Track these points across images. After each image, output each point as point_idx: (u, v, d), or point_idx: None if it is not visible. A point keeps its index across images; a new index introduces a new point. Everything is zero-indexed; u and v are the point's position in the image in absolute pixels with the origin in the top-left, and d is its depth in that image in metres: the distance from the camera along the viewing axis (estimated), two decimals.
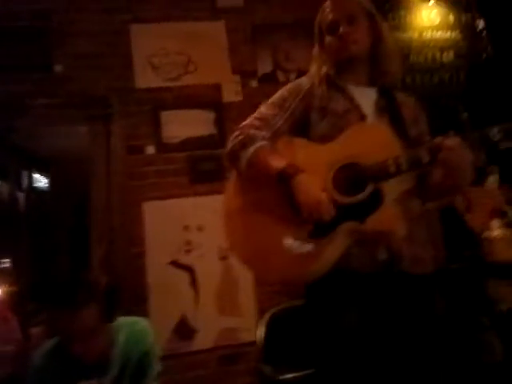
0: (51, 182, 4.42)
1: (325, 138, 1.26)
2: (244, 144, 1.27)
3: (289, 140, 1.30)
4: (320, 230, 1.15)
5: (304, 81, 1.39)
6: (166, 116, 2.80)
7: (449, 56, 3.45)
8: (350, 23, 1.32)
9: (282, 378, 1.67)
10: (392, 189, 1.15)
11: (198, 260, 2.70)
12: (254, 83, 2.95)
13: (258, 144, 1.26)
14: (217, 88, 2.91)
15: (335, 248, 1.15)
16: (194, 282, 2.68)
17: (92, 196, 2.76)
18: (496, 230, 2.30)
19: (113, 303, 1.47)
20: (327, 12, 1.36)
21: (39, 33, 2.73)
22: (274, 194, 1.22)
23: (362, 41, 1.33)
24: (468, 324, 2.32)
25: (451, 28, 3.47)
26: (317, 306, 1.25)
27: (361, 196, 1.14)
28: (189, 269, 2.69)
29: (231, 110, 2.87)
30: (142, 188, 2.73)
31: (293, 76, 3.04)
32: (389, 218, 1.13)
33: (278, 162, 1.20)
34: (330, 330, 1.20)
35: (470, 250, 2.52)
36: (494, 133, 1.07)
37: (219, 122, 2.84)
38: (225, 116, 2.86)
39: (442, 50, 3.44)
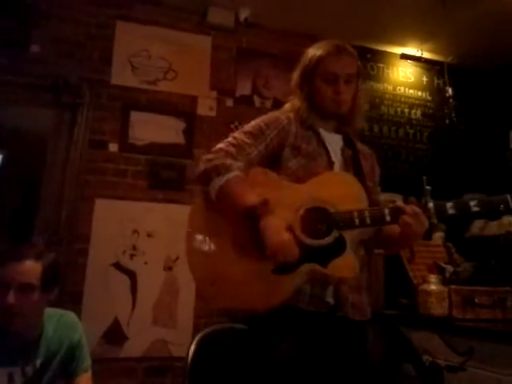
0: (3, 161, 4.25)
1: (293, 176, 1.30)
2: (218, 170, 1.25)
3: (263, 172, 1.32)
4: (284, 269, 1.18)
5: (281, 116, 1.40)
6: (136, 117, 2.78)
7: (417, 114, 3.66)
8: (347, 82, 1.37)
9: None
10: (353, 238, 1.22)
11: (141, 266, 2.65)
12: (229, 102, 2.99)
13: (233, 174, 1.25)
14: (192, 100, 2.93)
15: (294, 285, 1.19)
16: (133, 288, 2.62)
17: (44, 183, 2.67)
18: (432, 285, 2.40)
19: (54, 278, 1.46)
20: (329, 60, 1.37)
21: (22, 9, 2.67)
22: (240, 224, 1.23)
23: (350, 101, 1.39)
24: (392, 370, 2.39)
25: (423, 89, 3.69)
26: (255, 334, 1.27)
27: (326, 240, 1.19)
28: (131, 274, 2.63)
29: (203, 124, 2.89)
30: (97, 184, 2.67)
31: (269, 103, 3.12)
32: (348, 265, 1.19)
33: (249, 198, 1.21)
34: (262, 361, 1.22)
35: (407, 299, 2.61)
36: (449, 206, 1.19)
37: (189, 133, 2.84)
38: (195, 128, 2.87)
39: (412, 106, 3.65)
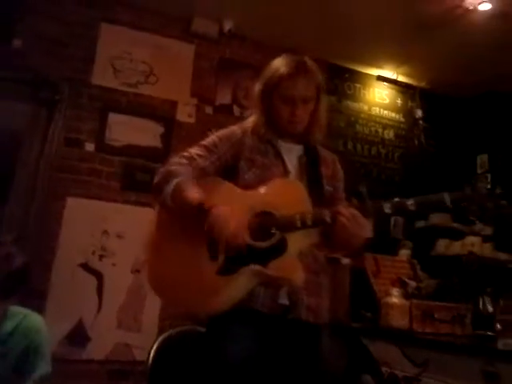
0: None
1: (248, 186, 1.34)
2: (167, 178, 1.30)
3: (214, 179, 1.38)
4: (228, 269, 1.23)
5: (237, 129, 1.45)
6: (115, 118, 2.79)
7: (389, 134, 3.78)
8: (305, 102, 1.38)
9: None
10: (297, 240, 1.25)
11: (109, 268, 2.63)
12: (209, 110, 3.04)
13: (181, 177, 1.30)
14: (172, 105, 2.96)
15: (238, 287, 1.23)
16: (99, 290, 2.60)
17: (16, 178, 2.64)
18: (394, 298, 2.47)
19: (19, 281, 1.44)
20: (287, 82, 1.38)
21: (6, 1, 2.66)
22: (191, 228, 1.27)
23: (307, 120, 1.42)
24: (352, 381, 2.44)
25: (396, 110, 3.83)
26: (210, 335, 1.32)
27: (268, 242, 1.23)
28: (98, 275, 2.61)
29: (181, 130, 2.92)
30: (70, 182, 2.66)
31: (248, 113, 3.17)
32: (288, 265, 1.22)
33: (198, 195, 1.26)
34: (215, 362, 1.26)
35: (370, 313, 2.67)
36: (387, 207, 1.22)
37: (166, 138, 2.87)
38: (173, 133, 2.90)
39: (385, 127, 3.77)
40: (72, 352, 2.47)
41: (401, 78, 3.73)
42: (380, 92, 3.78)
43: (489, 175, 3.71)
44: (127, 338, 2.58)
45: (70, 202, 2.62)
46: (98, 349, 2.52)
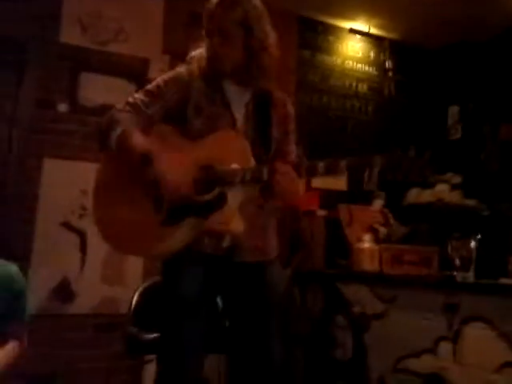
0: None
1: (197, 136, 1.35)
2: (112, 125, 1.30)
3: (161, 128, 1.37)
4: (171, 220, 1.29)
5: (183, 72, 1.41)
6: (86, 77, 2.77)
7: (363, 87, 3.83)
8: (223, 37, 1.33)
9: (143, 337, 1.80)
10: (236, 194, 1.29)
11: (90, 225, 2.68)
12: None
13: (125, 125, 1.29)
14: (144, 62, 2.93)
15: (180, 237, 1.28)
16: (83, 247, 2.67)
17: None
18: (366, 243, 2.61)
19: None
20: (205, 16, 1.35)
21: None
22: (137, 176, 1.30)
23: (233, 58, 1.35)
24: (323, 321, 2.61)
25: (370, 63, 3.86)
26: (164, 275, 1.41)
27: (208, 196, 1.28)
28: (80, 233, 2.67)
29: None
30: (46, 144, 2.66)
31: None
32: (227, 218, 1.27)
33: (143, 143, 1.27)
34: (169, 298, 1.37)
35: (344, 260, 2.82)
36: (320, 166, 1.22)
37: None
38: None
39: (358, 80, 3.81)
40: (58, 307, 2.57)
41: (373, 31, 3.74)
42: (353, 45, 3.78)
43: (459, 126, 3.82)
44: (112, 292, 2.68)
45: (47, 163, 2.64)
46: (83, 303, 2.62)
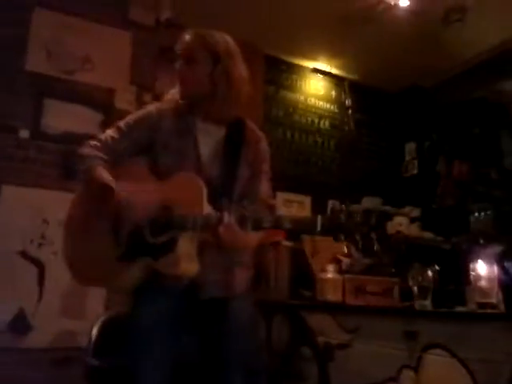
0: None
1: (164, 171, 1.38)
2: (79, 161, 1.39)
3: (127, 164, 1.42)
4: (126, 256, 1.32)
5: (154, 110, 1.45)
6: (51, 104, 2.75)
7: (325, 124, 3.99)
8: (188, 63, 1.38)
9: (104, 368, 1.72)
10: (188, 239, 1.30)
11: (50, 256, 2.60)
12: (148, 97, 3.06)
13: (91, 161, 1.36)
14: (111, 92, 2.96)
15: (132, 275, 1.32)
16: (41, 278, 2.57)
17: None
18: (329, 273, 2.64)
19: None
20: (178, 42, 1.42)
21: None
22: (103, 209, 1.34)
23: (196, 83, 1.38)
24: (289, 354, 2.59)
25: (331, 101, 4.04)
26: (129, 307, 1.39)
27: (161, 238, 1.30)
28: (38, 263, 2.57)
29: (121, 117, 2.90)
30: (5, 170, 2.59)
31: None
32: (176, 262, 1.28)
33: (105, 178, 1.32)
34: (131, 328, 1.34)
35: (309, 290, 2.84)
36: (266, 221, 1.23)
37: (106, 125, 2.84)
38: (113, 121, 2.88)
39: (321, 117, 3.97)
40: (13, 341, 2.44)
41: (334, 71, 3.94)
42: (315, 83, 3.97)
43: (416, 161, 4.02)
44: (71, 326, 2.57)
45: (6, 189, 2.56)
46: (40, 337, 2.50)
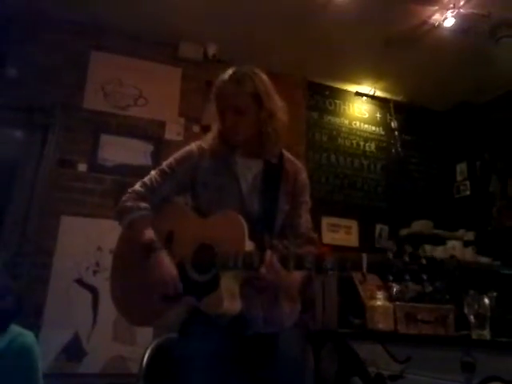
0: None
1: (205, 210, 1.40)
2: (122, 212, 1.41)
3: (176, 206, 1.46)
4: (170, 297, 1.35)
5: (195, 150, 1.46)
6: (106, 139, 2.93)
7: (371, 146, 3.95)
8: (237, 113, 1.36)
9: None
10: (230, 276, 1.31)
11: (103, 282, 2.71)
12: (196, 129, 3.19)
13: (133, 215, 1.38)
14: (161, 125, 3.11)
15: (177, 312, 1.35)
16: (95, 304, 2.68)
17: (13, 201, 2.74)
18: (379, 301, 2.58)
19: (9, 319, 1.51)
20: (217, 93, 1.40)
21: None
22: (142, 255, 1.38)
23: (247, 130, 1.39)
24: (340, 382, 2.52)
25: (376, 124, 4.00)
26: (179, 337, 1.43)
27: (204, 277, 1.31)
28: (93, 289, 2.69)
29: (170, 148, 3.05)
30: (65, 201, 2.77)
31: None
32: (216, 302, 1.28)
33: (146, 235, 1.35)
34: (181, 356, 1.36)
35: (359, 319, 2.77)
36: (308, 261, 1.21)
37: (156, 156, 3.00)
38: (163, 151, 3.03)
39: (366, 140, 3.94)
40: (68, 366, 2.54)
41: (378, 93, 3.92)
42: (359, 107, 3.96)
43: (468, 182, 3.88)
44: (122, 351, 2.65)
45: (64, 220, 2.73)
46: (93, 362, 2.59)
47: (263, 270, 1.23)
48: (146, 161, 3.00)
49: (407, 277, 1.11)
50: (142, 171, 2.89)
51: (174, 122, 3.14)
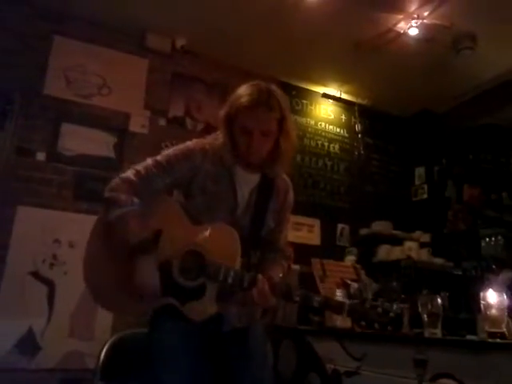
0: None
1: (195, 213, 1.39)
2: (114, 204, 1.33)
3: (169, 204, 1.42)
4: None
5: (198, 151, 1.42)
6: (67, 128, 2.83)
7: (335, 148, 4.02)
8: (264, 135, 1.36)
9: None
10: (215, 285, 1.32)
11: (60, 276, 2.63)
12: (162, 122, 3.14)
13: (125, 210, 1.32)
14: (125, 116, 3.04)
15: (155, 307, 1.34)
16: (51, 298, 2.60)
17: None
18: (338, 298, 2.62)
19: None
20: (245, 114, 1.35)
21: None
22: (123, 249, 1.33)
23: (264, 152, 1.40)
24: (300, 379, 2.56)
25: (341, 126, 4.08)
26: (150, 329, 1.40)
27: (190, 283, 1.32)
28: (49, 283, 2.61)
29: (134, 140, 2.99)
30: (22, 191, 2.66)
31: (200, 126, 3.31)
32: (200, 310, 1.31)
33: (138, 236, 1.30)
34: (151, 348, 1.36)
35: (318, 316, 2.82)
36: (295, 294, 1.31)
37: (119, 148, 2.94)
38: (126, 144, 2.97)
39: (331, 141, 4.01)
40: (21, 361, 2.45)
41: (344, 96, 4.00)
42: (325, 108, 4.02)
43: (425, 186, 4.02)
44: (79, 346, 2.58)
45: (21, 210, 2.62)
46: (48, 357, 2.51)
47: (254, 293, 1.28)
48: (109, 153, 2.92)
49: (376, 325, 1.30)
50: (104, 163, 2.88)
51: (139, 113, 3.07)
